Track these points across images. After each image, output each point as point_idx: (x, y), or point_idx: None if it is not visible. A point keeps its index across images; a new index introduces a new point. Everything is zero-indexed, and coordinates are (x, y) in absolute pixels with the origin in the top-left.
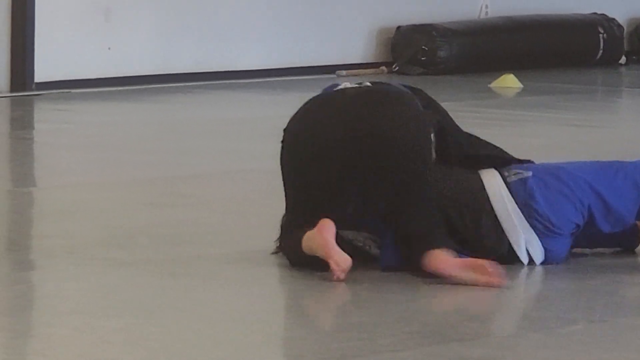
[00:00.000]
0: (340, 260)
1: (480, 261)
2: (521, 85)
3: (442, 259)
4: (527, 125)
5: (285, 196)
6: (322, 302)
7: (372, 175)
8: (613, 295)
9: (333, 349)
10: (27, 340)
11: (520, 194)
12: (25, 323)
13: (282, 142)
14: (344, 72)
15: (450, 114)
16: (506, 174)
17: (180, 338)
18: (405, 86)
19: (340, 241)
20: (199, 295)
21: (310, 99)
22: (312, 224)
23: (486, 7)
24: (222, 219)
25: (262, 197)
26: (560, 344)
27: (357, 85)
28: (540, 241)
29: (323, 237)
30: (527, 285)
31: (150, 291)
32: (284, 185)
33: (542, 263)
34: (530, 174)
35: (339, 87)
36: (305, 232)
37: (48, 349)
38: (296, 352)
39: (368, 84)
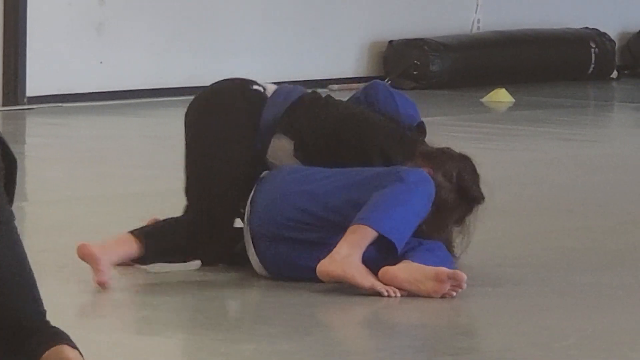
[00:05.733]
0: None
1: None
2: (513, 100)
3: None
4: (519, 140)
5: None
6: (312, 316)
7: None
8: (605, 310)
9: None
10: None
11: None
12: None
13: None
14: (335, 87)
15: (443, 129)
16: None
17: (172, 352)
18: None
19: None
20: (192, 309)
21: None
22: None
23: (478, 21)
24: None
25: None
26: (552, 358)
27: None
28: None
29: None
30: (517, 300)
31: (143, 305)
32: None
33: None
34: None
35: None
36: None
37: None
38: None
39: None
